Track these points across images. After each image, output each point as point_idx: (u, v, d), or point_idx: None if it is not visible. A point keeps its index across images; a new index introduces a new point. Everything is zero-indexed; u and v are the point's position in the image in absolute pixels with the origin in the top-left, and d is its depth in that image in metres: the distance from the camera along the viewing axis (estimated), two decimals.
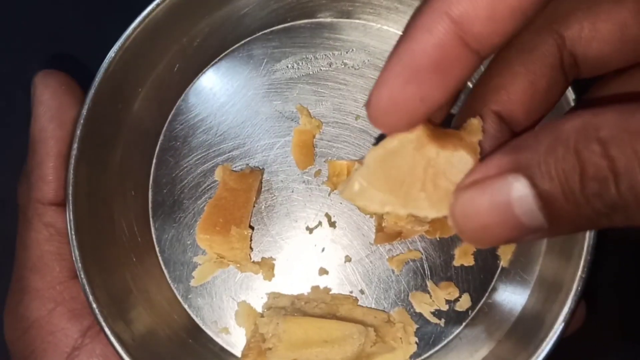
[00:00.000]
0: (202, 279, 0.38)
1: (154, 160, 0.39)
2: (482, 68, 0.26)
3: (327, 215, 0.39)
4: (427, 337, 0.38)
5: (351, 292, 0.38)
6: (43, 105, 0.34)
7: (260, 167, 0.39)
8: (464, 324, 0.38)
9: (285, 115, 0.40)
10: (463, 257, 0.38)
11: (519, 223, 0.21)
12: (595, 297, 0.42)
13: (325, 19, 0.40)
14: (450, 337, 0.38)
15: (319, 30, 0.40)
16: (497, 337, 0.36)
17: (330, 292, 0.38)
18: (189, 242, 0.39)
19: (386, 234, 0.38)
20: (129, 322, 0.35)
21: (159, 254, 0.39)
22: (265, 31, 0.40)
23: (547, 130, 0.20)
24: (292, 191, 0.39)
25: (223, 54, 0.40)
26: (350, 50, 0.40)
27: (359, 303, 0.38)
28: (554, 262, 0.36)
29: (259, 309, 0.38)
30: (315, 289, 0.38)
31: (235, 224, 0.37)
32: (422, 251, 0.39)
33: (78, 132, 0.33)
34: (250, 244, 0.39)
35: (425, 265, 0.38)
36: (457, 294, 0.38)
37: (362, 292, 0.38)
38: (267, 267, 0.38)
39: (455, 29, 0.21)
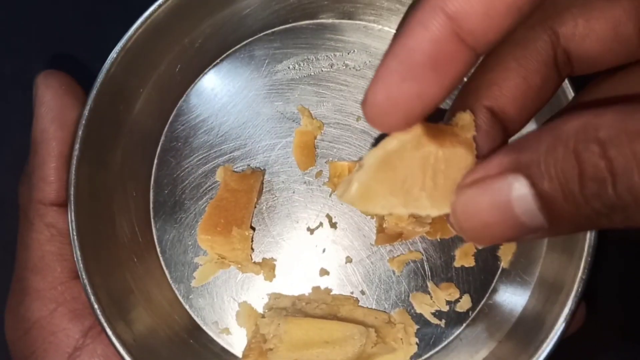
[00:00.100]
0: (203, 280, 0.38)
1: (155, 161, 0.39)
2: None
3: (328, 216, 0.39)
4: (428, 338, 0.38)
5: (352, 292, 0.38)
6: (45, 106, 0.34)
7: (262, 168, 0.39)
8: (464, 324, 0.38)
9: (286, 116, 0.40)
10: (464, 258, 0.38)
11: (518, 222, 0.21)
12: (596, 297, 0.42)
13: (326, 20, 0.40)
14: (451, 337, 0.38)
15: (320, 32, 0.40)
16: (498, 338, 0.37)
17: (331, 293, 0.38)
18: (190, 243, 0.39)
19: (387, 234, 0.38)
20: (130, 322, 0.35)
21: (160, 255, 0.39)
22: (267, 32, 0.40)
23: (548, 130, 0.20)
24: (293, 192, 0.39)
25: (224, 55, 0.40)
26: (352, 51, 0.40)
27: (360, 304, 0.38)
28: (554, 263, 0.36)
29: (260, 310, 0.38)
30: (316, 289, 0.38)
31: (237, 224, 0.37)
32: (423, 252, 0.39)
33: (79, 132, 0.33)
34: (252, 245, 0.39)
35: (426, 266, 0.39)
36: (457, 295, 0.38)
37: (362, 292, 0.38)
38: (268, 267, 0.38)
39: (451, 25, 0.20)
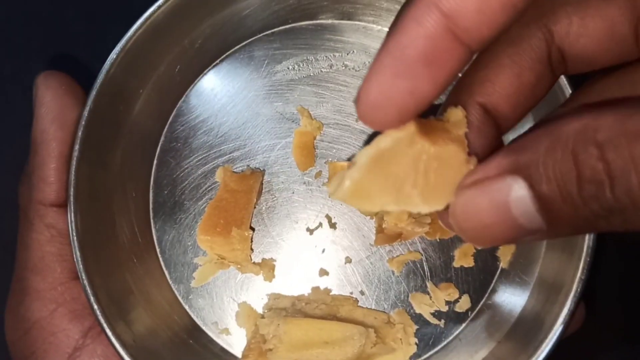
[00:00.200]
0: (202, 280, 0.38)
1: (155, 162, 0.39)
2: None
3: (327, 216, 0.39)
4: (427, 338, 0.38)
5: (351, 293, 0.39)
6: (44, 107, 0.34)
7: (261, 169, 0.39)
8: (463, 325, 0.38)
9: (286, 117, 0.40)
10: (463, 258, 0.38)
11: (517, 224, 0.21)
12: (595, 298, 0.42)
13: (326, 20, 0.40)
14: (450, 338, 0.38)
15: (320, 32, 0.40)
16: (497, 338, 0.37)
17: (331, 293, 0.38)
18: (189, 243, 0.39)
19: (386, 235, 0.38)
20: (129, 322, 0.35)
21: (159, 255, 0.39)
22: (267, 32, 0.40)
23: (547, 131, 0.20)
24: (293, 192, 0.39)
25: (224, 56, 0.40)
26: (351, 52, 0.40)
27: (359, 304, 0.38)
28: (553, 263, 0.36)
29: (260, 310, 0.38)
30: (315, 290, 0.38)
31: (236, 225, 0.37)
32: (422, 252, 0.39)
33: (79, 133, 0.33)
34: (251, 245, 0.39)
35: (425, 267, 0.39)
36: (457, 295, 0.38)
37: (362, 293, 0.38)
38: (267, 268, 0.38)
39: (445, 21, 0.20)
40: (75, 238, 0.33)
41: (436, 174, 0.22)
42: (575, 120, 0.20)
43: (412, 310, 0.38)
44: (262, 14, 0.39)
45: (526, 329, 0.36)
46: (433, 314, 0.38)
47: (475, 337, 0.37)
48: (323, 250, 0.39)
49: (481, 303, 0.38)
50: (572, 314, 0.33)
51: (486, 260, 0.39)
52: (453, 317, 0.38)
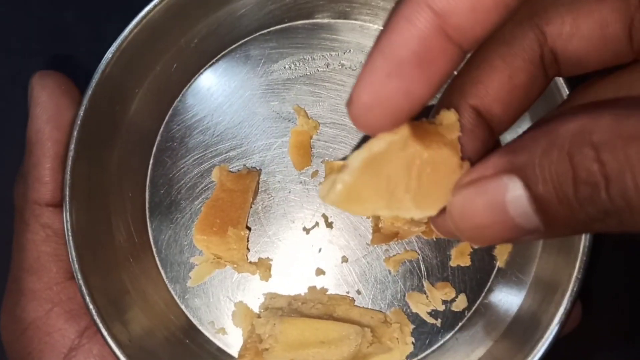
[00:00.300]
0: (199, 280, 0.38)
1: (151, 161, 0.39)
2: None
3: (324, 215, 0.39)
4: (424, 338, 0.38)
5: (348, 292, 0.38)
6: (40, 107, 0.34)
7: (258, 168, 0.39)
8: (460, 324, 0.38)
9: (282, 116, 0.40)
10: (459, 257, 0.38)
11: (514, 224, 0.21)
12: (591, 296, 0.42)
13: (322, 19, 0.40)
14: (447, 337, 0.38)
15: (316, 31, 0.40)
16: (494, 337, 0.37)
17: (327, 293, 0.38)
18: (185, 243, 0.39)
19: (383, 234, 0.38)
20: (125, 322, 0.35)
21: (155, 255, 0.39)
22: (263, 32, 0.40)
23: (544, 132, 0.20)
24: (289, 192, 0.39)
25: (220, 55, 0.40)
26: (348, 51, 0.40)
27: (356, 303, 0.38)
28: (550, 262, 0.36)
29: (256, 310, 0.38)
30: (312, 289, 0.38)
31: (232, 225, 0.37)
32: (419, 251, 0.39)
33: (75, 133, 0.33)
34: (247, 245, 0.39)
35: (422, 266, 0.39)
36: (453, 294, 0.38)
37: (358, 292, 0.38)
38: (264, 267, 0.38)
39: (437, 21, 0.20)
40: (70, 238, 0.33)
41: (429, 178, 0.22)
42: (571, 121, 0.19)
43: (408, 310, 0.38)
44: (258, 13, 0.39)
45: (523, 328, 0.35)
46: (430, 313, 0.38)
47: (472, 337, 0.37)
48: (319, 250, 0.39)
49: (478, 302, 0.38)
50: (568, 313, 0.33)
51: (483, 259, 0.38)
52: (450, 317, 0.38)
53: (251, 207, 0.39)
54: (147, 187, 0.39)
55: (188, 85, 0.40)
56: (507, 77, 0.24)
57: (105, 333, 0.33)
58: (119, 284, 0.36)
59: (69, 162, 0.33)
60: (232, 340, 0.38)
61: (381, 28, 0.39)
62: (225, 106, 0.40)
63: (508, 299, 0.37)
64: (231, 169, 0.39)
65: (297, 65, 0.40)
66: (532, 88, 0.25)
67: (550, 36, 0.24)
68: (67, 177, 0.33)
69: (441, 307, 0.38)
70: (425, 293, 0.38)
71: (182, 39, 0.38)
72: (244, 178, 0.38)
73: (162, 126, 0.40)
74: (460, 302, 0.38)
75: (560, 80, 0.34)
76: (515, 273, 0.38)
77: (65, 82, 0.35)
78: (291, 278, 0.39)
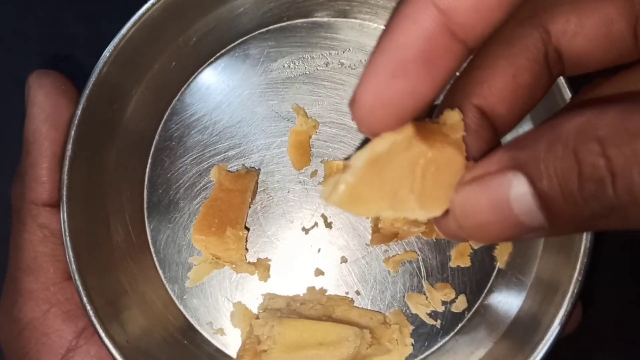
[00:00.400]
0: (197, 280, 0.38)
1: (149, 161, 0.39)
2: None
3: (323, 216, 0.39)
4: (423, 339, 0.38)
5: (347, 293, 0.38)
6: (37, 106, 0.34)
7: (256, 168, 0.39)
8: (460, 325, 0.38)
9: (281, 115, 0.39)
10: (459, 258, 0.38)
11: (518, 221, 0.20)
12: (592, 297, 0.42)
13: (322, 18, 0.40)
14: (447, 338, 0.38)
15: (315, 30, 0.40)
16: (494, 339, 0.36)
17: (326, 293, 0.38)
18: (184, 243, 0.38)
19: (382, 235, 0.38)
20: (123, 323, 0.35)
21: (154, 255, 0.38)
22: (262, 30, 0.40)
23: (548, 128, 0.20)
24: (288, 192, 0.39)
25: (219, 54, 0.40)
26: (347, 49, 0.40)
27: (355, 304, 0.38)
28: (550, 263, 0.36)
29: (255, 310, 0.38)
30: (311, 290, 0.38)
31: (231, 225, 0.37)
32: (419, 252, 0.38)
33: (72, 132, 0.33)
34: (246, 245, 0.38)
35: (422, 266, 0.38)
36: (453, 295, 0.38)
37: (358, 293, 0.38)
38: (262, 268, 0.38)
39: (441, 18, 0.20)
40: (68, 238, 0.33)
41: (433, 178, 0.22)
42: (576, 117, 0.19)
43: (408, 311, 0.38)
44: (257, 11, 0.39)
45: (523, 329, 0.35)
46: (429, 314, 0.38)
47: (472, 338, 0.37)
48: (319, 250, 0.39)
49: (478, 303, 0.38)
50: (569, 315, 0.33)
51: (483, 260, 0.38)
52: (449, 318, 0.38)
53: (250, 207, 0.38)
54: (145, 187, 0.39)
55: (186, 84, 0.40)
56: (511, 77, 0.24)
57: (102, 334, 0.33)
58: (117, 284, 0.36)
59: (67, 162, 0.33)
60: (230, 340, 0.38)
61: (381, 27, 0.39)
62: (224, 105, 0.39)
63: (508, 300, 0.37)
64: (230, 169, 0.39)
65: (296, 64, 0.40)
66: (536, 87, 0.25)
67: (554, 35, 0.24)
68: (65, 177, 0.33)
69: (441, 308, 0.38)
70: (424, 294, 0.38)
71: (181, 38, 0.38)
72: (243, 178, 0.38)
73: (161, 125, 0.39)
74: (460, 303, 0.38)
75: (561, 81, 0.33)
76: (515, 274, 0.37)
77: (62, 82, 0.35)
78: (290, 278, 0.38)
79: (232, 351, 0.38)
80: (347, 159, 0.39)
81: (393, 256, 0.38)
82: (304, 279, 0.38)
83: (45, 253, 0.34)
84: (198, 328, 0.38)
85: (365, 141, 0.39)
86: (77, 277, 0.33)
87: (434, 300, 0.38)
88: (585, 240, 0.33)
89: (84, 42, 0.46)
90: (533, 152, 0.20)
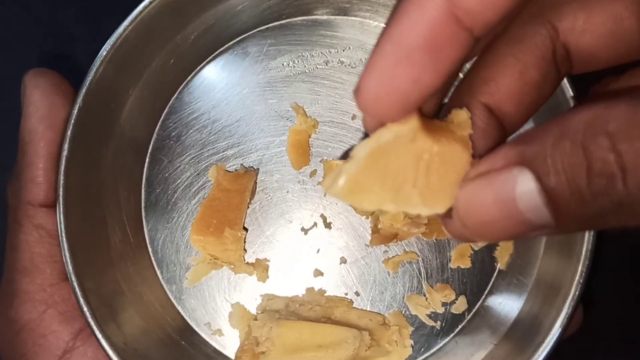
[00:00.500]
0: (195, 280, 0.38)
1: (147, 160, 0.39)
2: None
3: (322, 216, 0.38)
4: (423, 340, 0.37)
5: (346, 294, 0.38)
6: (33, 106, 0.33)
7: (255, 167, 0.39)
8: (460, 326, 0.38)
9: (280, 114, 0.39)
10: (460, 259, 0.38)
11: (523, 219, 0.20)
12: (592, 299, 0.41)
13: (321, 16, 0.39)
14: (446, 340, 0.37)
15: (315, 28, 0.39)
16: (494, 341, 0.36)
17: (325, 294, 0.38)
18: (182, 243, 0.38)
19: (382, 235, 0.37)
20: (120, 324, 0.34)
21: (151, 255, 0.38)
22: (261, 28, 0.39)
23: (556, 122, 0.19)
24: (287, 191, 0.39)
25: (217, 52, 0.39)
26: (347, 48, 0.39)
27: (354, 305, 0.38)
28: (551, 265, 0.36)
29: (253, 311, 0.38)
30: (310, 290, 0.38)
31: (229, 225, 0.37)
32: (419, 253, 0.38)
33: (69, 132, 0.33)
34: (244, 245, 0.38)
35: (422, 267, 0.38)
36: (453, 297, 0.38)
37: (357, 294, 0.38)
38: (261, 268, 0.38)
39: (447, 5, 0.19)
40: (64, 239, 0.32)
41: (438, 174, 0.21)
42: (584, 111, 0.19)
43: (407, 312, 0.38)
44: (256, 9, 0.38)
45: (523, 331, 0.35)
46: (429, 316, 0.38)
47: (472, 340, 0.37)
48: (318, 251, 0.38)
49: (478, 305, 0.38)
50: (570, 317, 0.33)
51: (483, 261, 0.38)
52: (449, 319, 0.38)
53: (248, 207, 0.38)
54: (142, 187, 0.39)
55: (184, 82, 0.39)
56: (518, 74, 0.23)
57: (99, 335, 0.32)
58: (114, 285, 0.36)
59: (63, 162, 0.33)
60: (228, 341, 0.38)
61: (381, 25, 0.39)
62: (223, 104, 0.39)
63: (509, 301, 0.37)
64: (228, 168, 0.38)
65: (296, 62, 0.39)
66: (545, 84, 0.24)
67: (562, 32, 0.24)
68: (61, 177, 0.33)
69: (441, 310, 0.38)
70: (424, 295, 0.38)
71: (179, 36, 0.37)
72: (241, 178, 0.38)
73: (158, 124, 0.39)
74: (460, 305, 0.38)
75: (564, 82, 0.33)
76: (516, 275, 0.37)
77: (58, 80, 0.34)
78: (289, 279, 0.38)
79: (230, 352, 0.37)
80: (345, 155, 0.39)
81: (393, 257, 0.38)
82: (303, 280, 0.38)
83: (42, 254, 0.33)
84: (196, 329, 0.38)
85: (367, 137, 0.39)
86: (73, 278, 0.32)
87: (434, 301, 0.37)
88: (586, 242, 0.33)
89: (83, 41, 0.45)
90: (540, 147, 0.19)
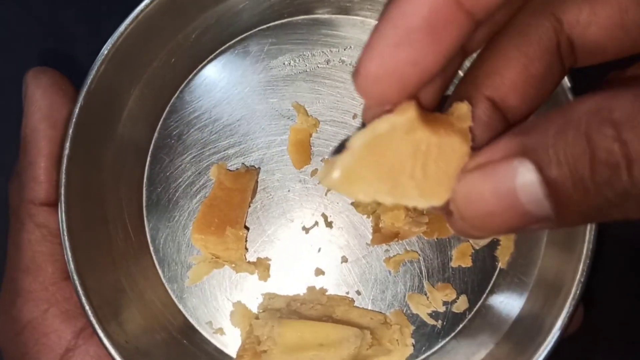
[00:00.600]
0: (196, 279, 0.38)
1: (148, 159, 0.39)
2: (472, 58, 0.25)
3: (323, 215, 0.38)
4: (424, 339, 0.38)
5: (347, 293, 0.38)
6: (34, 104, 0.33)
7: (256, 166, 0.39)
8: (461, 325, 0.38)
9: (281, 113, 0.39)
10: (461, 258, 0.38)
11: (524, 211, 0.19)
12: (593, 298, 0.41)
13: (322, 15, 0.39)
14: (447, 339, 0.37)
15: (316, 27, 0.39)
16: (495, 340, 0.36)
17: (327, 293, 0.38)
18: (183, 242, 0.38)
19: (383, 234, 0.37)
20: (122, 323, 0.34)
21: (153, 254, 0.38)
22: (262, 27, 0.39)
23: (559, 112, 0.19)
24: (289, 190, 0.39)
25: (219, 51, 0.39)
26: (348, 47, 0.39)
27: (356, 304, 0.38)
28: (553, 264, 0.36)
29: (255, 310, 0.38)
30: (311, 289, 0.38)
31: (231, 224, 0.37)
32: (420, 252, 0.38)
33: (70, 131, 0.33)
34: (246, 244, 0.38)
35: (423, 267, 0.38)
36: (454, 296, 0.38)
37: (358, 293, 0.38)
38: (262, 267, 0.38)
39: None
40: (66, 237, 0.32)
41: (436, 166, 0.21)
42: (588, 100, 0.18)
43: (409, 311, 0.38)
44: (258, 8, 0.38)
45: (524, 330, 0.35)
46: (430, 315, 0.38)
47: (473, 339, 0.37)
48: (319, 250, 0.38)
49: (479, 304, 0.38)
50: (571, 317, 0.33)
51: (484, 260, 0.38)
52: (450, 318, 0.38)
53: (250, 206, 0.38)
54: (144, 185, 0.39)
55: (186, 81, 0.39)
56: (522, 67, 0.23)
57: (101, 334, 0.32)
58: (116, 283, 0.36)
59: (64, 161, 0.33)
60: (230, 340, 0.38)
61: None
62: (224, 103, 0.39)
63: (510, 300, 0.37)
64: (229, 167, 0.38)
65: (297, 61, 0.39)
66: (549, 77, 0.24)
67: (567, 24, 0.23)
68: (63, 176, 0.33)
69: (442, 309, 0.38)
70: (425, 294, 0.38)
71: (180, 35, 0.37)
72: (243, 177, 0.38)
73: (160, 123, 0.39)
74: (461, 304, 0.38)
75: (564, 80, 0.33)
76: (517, 274, 0.37)
77: (59, 79, 0.34)
78: (290, 278, 0.38)
79: (231, 351, 0.37)
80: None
81: (394, 256, 0.38)
82: (304, 279, 0.38)
83: (44, 252, 0.33)
84: (197, 327, 0.38)
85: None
86: (75, 277, 0.32)
87: (435, 300, 0.37)
88: (587, 241, 0.33)
89: (83, 41, 0.45)
90: (541, 137, 0.19)
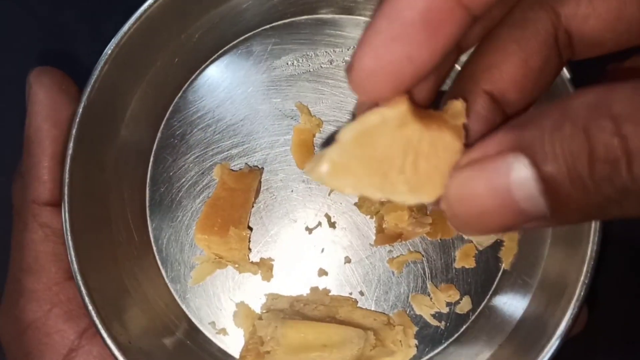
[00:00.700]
0: (199, 279, 0.38)
1: (152, 159, 0.39)
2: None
3: (327, 215, 0.38)
4: (427, 340, 0.37)
5: (351, 293, 0.38)
6: (37, 104, 0.33)
7: (260, 166, 0.39)
8: (464, 326, 0.38)
9: (285, 114, 0.39)
10: (464, 259, 0.38)
11: (518, 209, 0.19)
12: (596, 299, 0.41)
13: (326, 15, 0.39)
14: (451, 340, 0.37)
15: (320, 27, 0.39)
16: (498, 341, 0.36)
17: (330, 294, 0.38)
18: (186, 242, 0.38)
19: (387, 235, 0.37)
20: (125, 323, 0.34)
21: (156, 254, 0.38)
22: (265, 27, 0.39)
23: (555, 105, 0.18)
24: (292, 191, 0.39)
25: (222, 50, 0.39)
26: (352, 47, 0.39)
27: (359, 305, 0.38)
28: (556, 265, 0.35)
29: (258, 310, 0.38)
30: (314, 290, 0.38)
31: (234, 224, 0.37)
32: (423, 253, 0.38)
33: (73, 131, 0.33)
34: (249, 245, 0.38)
35: (426, 267, 0.38)
36: (457, 297, 0.38)
37: (361, 293, 0.38)
38: (265, 267, 0.38)
39: None
40: (69, 237, 0.32)
41: (427, 162, 0.20)
42: (587, 93, 0.18)
43: (412, 312, 0.38)
44: (261, 8, 0.38)
45: (528, 332, 0.35)
46: (433, 316, 0.38)
47: (476, 340, 0.37)
48: (322, 250, 0.38)
49: (482, 305, 0.38)
50: (575, 318, 0.32)
51: (488, 261, 0.38)
52: (454, 319, 0.38)
53: (253, 206, 0.38)
54: (147, 185, 0.39)
55: (189, 81, 0.39)
56: (521, 61, 0.23)
57: (104, 334, 0.32)
58: (119, 283, 0.36)
59: (68, 161, 0.32)
60: (233, 341, 0.38)
61: None
62: (227, 103, 0.39)
63: (513, 302, 0.37)
64: (233, 167, 0.38)
65: (300, 61, 0.39)
66: (547, 70, 0.24)
67: (564, 17, 0.23)
68: (66, 175, 0.32)
69: (445, 310, 0.37)
70: (429, 295, 0.38)
71: (183, 35, 0.37)
72: (246, 177, 0.38)
73: (163, 123, 0.39)
74: (465, 305, 0.38)
75: (564, 72, 0.32)
76: (520, 276, 0.37)
77: (63, 79, 0.34)
78: (293, 278, 0.38)
79: (234, 351, 0.37)
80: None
81: (397, 257, 0.38)
82: (307, 279, 0.38)
83: (47, 252, 0.33)
84: (200, 328, 0.38)
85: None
86: (78, 277, 0.32)
87: (439, 301, 0.37)
88: (592, 242, 0.33)
89: (85, 41, 0.45)
90: (537, 131, 0.18)
